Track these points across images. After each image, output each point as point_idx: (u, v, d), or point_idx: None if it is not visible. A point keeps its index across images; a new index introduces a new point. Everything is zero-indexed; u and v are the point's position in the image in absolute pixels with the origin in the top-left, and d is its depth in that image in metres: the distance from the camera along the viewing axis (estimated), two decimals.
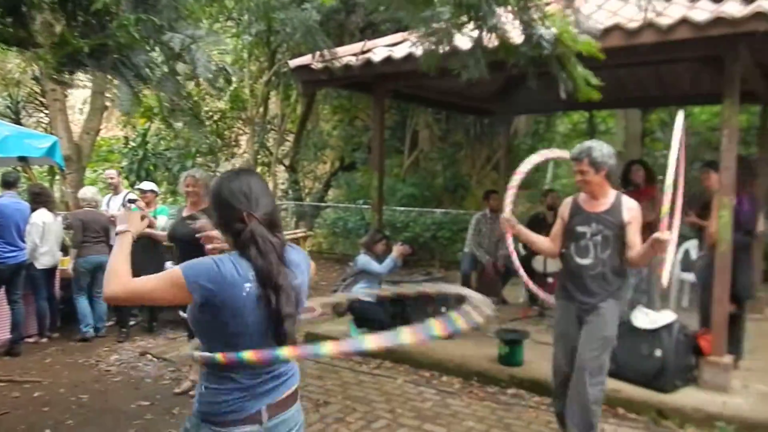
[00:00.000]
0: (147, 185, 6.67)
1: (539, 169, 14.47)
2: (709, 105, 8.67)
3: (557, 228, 3.66)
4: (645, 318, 4.52)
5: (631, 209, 3.41)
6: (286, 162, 15.15)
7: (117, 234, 1.96)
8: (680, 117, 3.10)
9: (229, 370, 1.76)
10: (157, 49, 3.37)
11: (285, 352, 1.69)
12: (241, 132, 15.47)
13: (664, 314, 4.55)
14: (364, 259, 5.80)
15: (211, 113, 15.07)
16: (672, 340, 4.32)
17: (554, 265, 6.75)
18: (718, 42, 4.30)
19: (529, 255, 7.17)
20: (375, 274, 5.76)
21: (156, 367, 5.46)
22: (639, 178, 6.09)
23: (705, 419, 4.01)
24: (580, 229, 3.49)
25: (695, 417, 4.04)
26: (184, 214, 4.74)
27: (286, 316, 1.72)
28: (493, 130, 12.30)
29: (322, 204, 14.17)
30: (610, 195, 3.48)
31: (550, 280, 6.73)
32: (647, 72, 7.18)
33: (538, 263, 6.87)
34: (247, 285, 1.71)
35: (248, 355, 1.65)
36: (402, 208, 11.73)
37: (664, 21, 4.33)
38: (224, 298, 1.69)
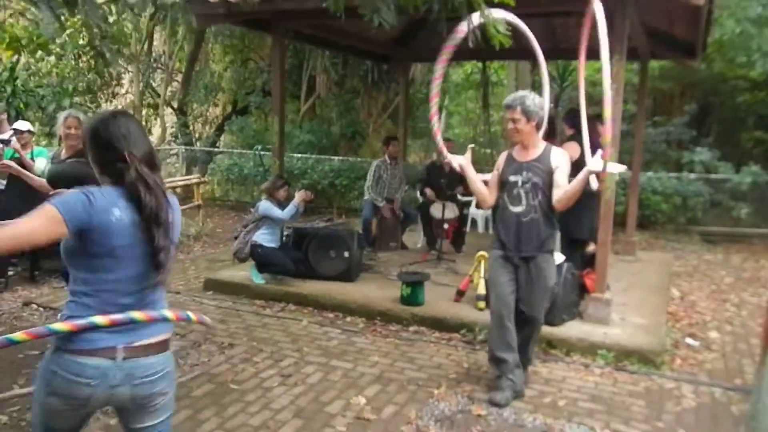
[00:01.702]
0: (23, 125, 6.12)
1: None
2: (595, 60, 9.17)
3: (493, 179, 3.76)
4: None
5: (558, 156, 3.57)
6: (175, 104, 14.43)
7: None
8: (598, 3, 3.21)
9: (87, 298, 1.83)
10: None
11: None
12: (123, 70, 14.48)
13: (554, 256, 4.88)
14: (265, 205, 5.73)
15: (88, 47, 13.95)
16: (561, 279, 4.65)
17: (451, 212, 7.02)
18: None
19: (426, 202, 7.40)
20: (277, 220, 5.72)
21: (43, 317, 5.16)
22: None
23: (588, 348, 4.41)
24: (512, 178, 3.63)
25: (580, 346, 4.44)
26: (63, 156, 4.47)
27: (162, 248, 1.84)
28: (390, 76, 12.34)
29: (215, 149, 13.74)
30: (540, 145, 3.63)
31: (446, 226, 7.01)
32: (540, 24, 7.45)
33: (436, 210, 7.10)
34: (116, 211, 1.80)
35: (100, 319, 1.77)
36: (299, 155, 11.61)
37: None
38: (94, 223, 1.76)
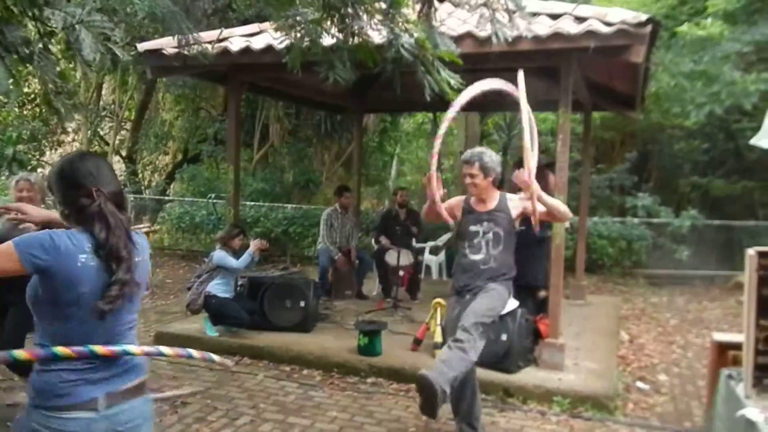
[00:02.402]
0: None
1: (385, 165, 14.97)
2: (542, 112, 9.53)
3: (450, 203, 3.85)
4: None
5: (512, 199, 3.75)
6: (124, 152, 14.22)
7: None
8: (521, 75, 3.45)
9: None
10: (30, 25, 3.03)
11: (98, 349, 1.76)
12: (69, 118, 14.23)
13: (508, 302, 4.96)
14: (220, 255, 5.67)
15: (33, 95, 13.71)
16: (516, 325, 4.73)
17: (406, 259, 7.08)
18: (556, 54, 4.77)
19: (381, 249, 7.44)
20: (232, 270, 5.67)
21: None
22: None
23: (544, 395, 4.46)
24: (473, 228, 3.72)
25: (536, 393, 4.48)
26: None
27: (117, 281, 1.78)
28: (343, 126, 12.49)
29: (165, 197, 13.56)
30: (495, 195, 3.77)
31: (401, 273, 7.05)
32: (489, 77, 7.72)
33: (391, 257, 7.15)
34: (82, 256, 1.76)
35: (62, 350, 1.72)
36: (252, 203, 11.56)
37: (509, 33, 4.70)
38: (58, 268, 1.73)
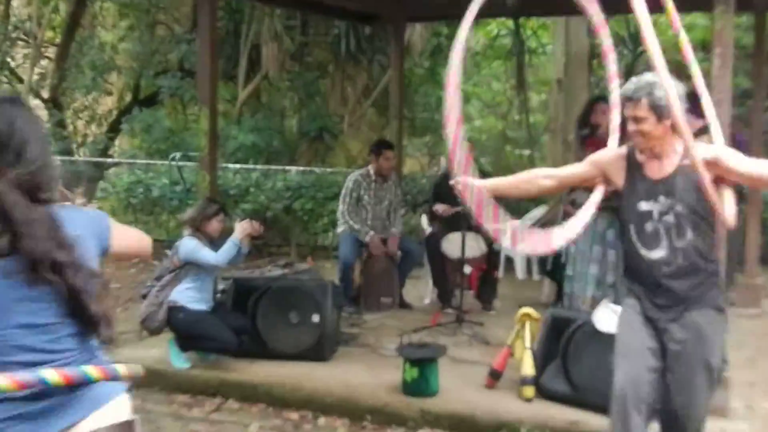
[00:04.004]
0: None
1: (440, 104, 14.86)
2: (688, 12, 9.25)
3: (600, 159, 3.80)
4: (613, 318, 4.76)
5: (707, 151, 3.46)
6: (45, 93, 14.40)
7: None
8: None
9: None
10: None
11: None
12: None
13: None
14: (190, 245, 5.66)
15: None
16: None
17: (475, 248, 6.99)
18: None
19: (436, 233, 7.37)
20: (208, 268, 5.68)
21: None
22: (604, 120, 6.40)
23: None
24: (644, 206, 3.57)
25: None
26: None
27: (80, 292, 1.98)
28: (375, 44, 12.39)
29: (108, 160, 13.72)
30: (677, 148, 3.55)
31: (467, 269, 6.95)
32: None
33: (451, 245, 7.09)
34: None
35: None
36: (237, 166, 11.61)
37: None
38: None
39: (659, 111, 3.46)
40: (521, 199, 3.83)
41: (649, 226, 3.55)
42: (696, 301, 3.52)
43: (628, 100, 3.53)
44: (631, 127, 3.55)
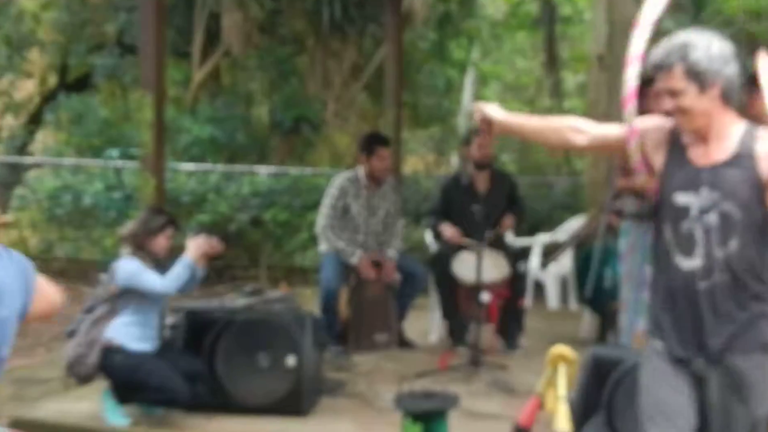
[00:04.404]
0: None
1: (450, 87, 14.89)
2: None
3: (613, 132, 3.76)
4: None
5: None
6: None
7: None
8: None
9: None
10: None
11: None
12: None
13: None
14: (130, 267, 5.66)
15: None
16: None
17: (495, 270, 6.97)
18: None
19: (445, 251, 7.35)
20: (152, 296, 5.68)
21: None
22: (657, 107, 6.38)
23: None
24: (680, 198, 3.51)
25: None
26: None
27: None
28: (366, 12, 12.41)
29: (28, 159, 13.80)
30: (734, 131, 3.50)
31: (485, 297, 6.93)
32: None
33: (464, 267, 7.08)
34: None
35: None
36: (192, 166, 11.68)
37: None
38: None
39: (701, 78, 3.38)
40: (542, 145, 3.76)
41: (684, 225, 3.47)
42: (739, 337, 3.45)
43: (658, 68, 3.44)
44: (667, 104, 3.48)
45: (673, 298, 3.56)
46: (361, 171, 7.54)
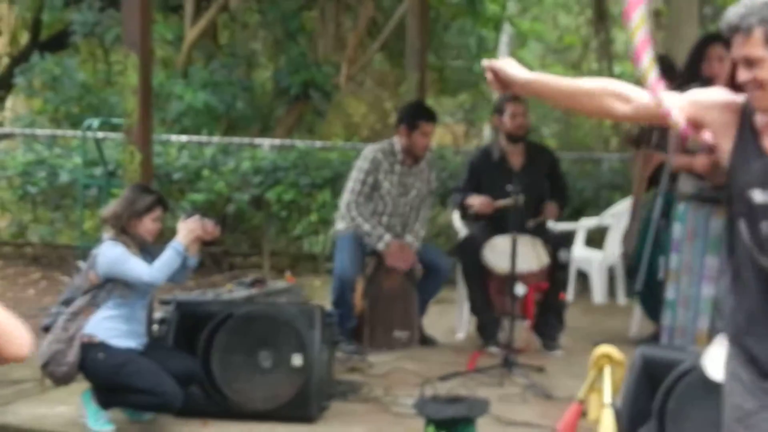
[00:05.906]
0: None
1: (481, 47, 14.85)
2: None
3: (703, 103, 3.48)
4: None
5: None
6: None
7: None
8: None
9: None
10: None
11: None
12: None
13: None
14: (113, 254, 5.68)
15: None
16: None
17: (531, 258, 6.99)
18: None
19: (475, 236, 7.36)
20: (138, 287, 5.71)
21: None
22: (722, 70, 6.41)
23: None
24: (757, 196, 3.39)
25: None
26: None
27: None
28: None
29: None
30: None
31: (521, 289, 6.94)
32: None
33: (496, 255, 7.12)
34: None
35: None
36: (184, 138, 11.73)
37: None
38: None
39: None
40: (574, 112, 3.56)
41: (764, 227, 3.34)
42: None
43: (734, 31, 3.24)
44: (742, 75, 3.28)
45: (754, 308, 3.46)
46: (397, 144, 7.54)
